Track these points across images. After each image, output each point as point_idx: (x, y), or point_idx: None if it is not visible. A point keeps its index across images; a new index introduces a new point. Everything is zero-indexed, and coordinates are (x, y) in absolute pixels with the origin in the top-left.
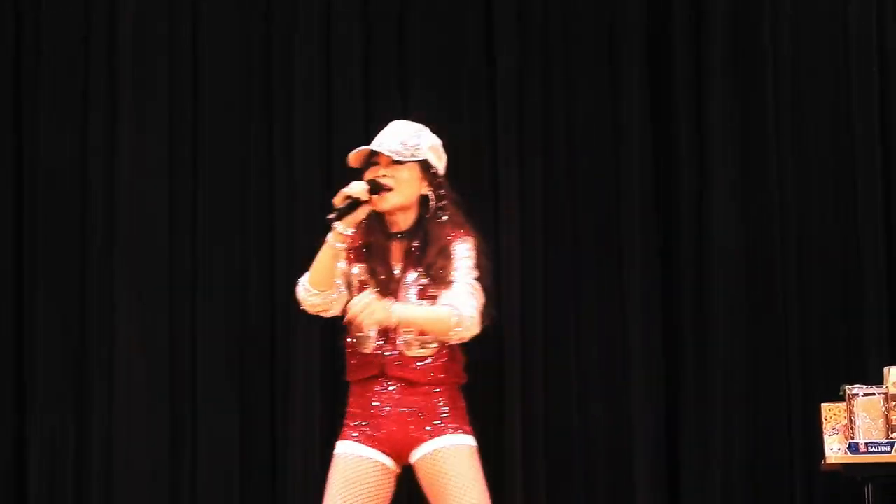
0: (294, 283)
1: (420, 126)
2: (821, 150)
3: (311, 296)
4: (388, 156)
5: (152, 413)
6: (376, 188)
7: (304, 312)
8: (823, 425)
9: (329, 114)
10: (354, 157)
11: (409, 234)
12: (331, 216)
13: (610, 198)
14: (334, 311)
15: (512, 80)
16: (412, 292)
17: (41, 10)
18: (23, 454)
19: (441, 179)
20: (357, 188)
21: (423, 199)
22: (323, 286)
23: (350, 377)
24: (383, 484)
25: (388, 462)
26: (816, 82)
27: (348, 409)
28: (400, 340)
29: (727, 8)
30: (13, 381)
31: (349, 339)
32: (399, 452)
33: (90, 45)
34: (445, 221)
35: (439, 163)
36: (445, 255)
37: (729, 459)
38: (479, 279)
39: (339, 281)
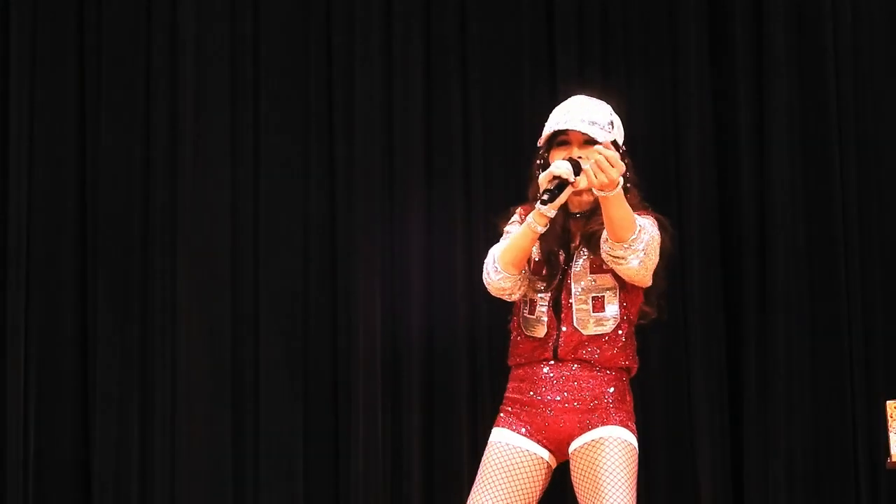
0: (355, 277)
1: (606, 104)
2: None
3: (502, 279)
4: (582, 135)
5: (214, 405)
6: (577, 169)
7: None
8: (889, 423)
9: (391, 113)
10: (573, 133)
11: (587, 215)
12: (543, 197)
13: (670, 195)
14: (517, 295)
15: (572, 71)
16: (581, 264)
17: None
18: (88, 449)
19: (627, 160)
20: (563, 168)
21: None
22: (517, 269)
23: (513, 360)
24: (537, 477)
25: (545, 455)
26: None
27: (507, 395)
28: (576, 319)
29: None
30: (78, 376)
31: (517, 320)
32: (560, 441)
33: (152, 46)
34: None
35: (621, 141)
36: None
37: (792, 457)
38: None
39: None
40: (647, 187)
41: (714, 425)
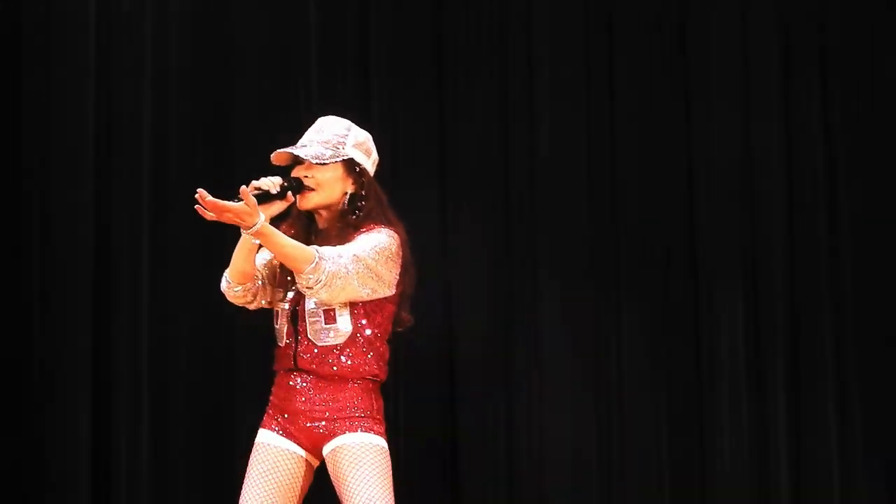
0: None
1: (348, 124)
2: None
3: (230, 288)
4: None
5: (578, 398)
6: (293, 187)
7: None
8: None
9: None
10: (276, 156)
11: (326, 233)
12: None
13: None
14: (258, 304)
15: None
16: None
17: None
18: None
19: (366, 178)
20: (266, 182)
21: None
22: (239, 279)
23: (273, 366)
24: (298, 475)
25: (305, 454)
26: None
27: (270, 398)
28: (310, 330)
29: None
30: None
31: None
32: (313, 446)
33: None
34: (356, 219)
35: (366, 160)
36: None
37: None
38: (377, 267)
39: (259, 273)
40: None
41: None
